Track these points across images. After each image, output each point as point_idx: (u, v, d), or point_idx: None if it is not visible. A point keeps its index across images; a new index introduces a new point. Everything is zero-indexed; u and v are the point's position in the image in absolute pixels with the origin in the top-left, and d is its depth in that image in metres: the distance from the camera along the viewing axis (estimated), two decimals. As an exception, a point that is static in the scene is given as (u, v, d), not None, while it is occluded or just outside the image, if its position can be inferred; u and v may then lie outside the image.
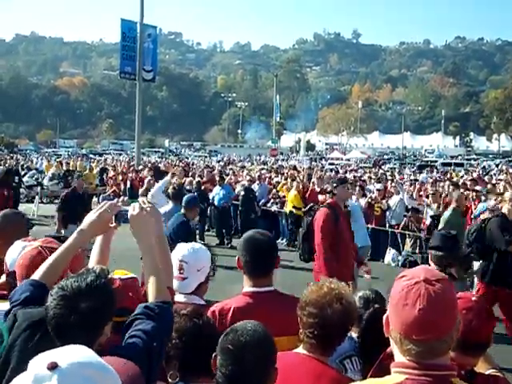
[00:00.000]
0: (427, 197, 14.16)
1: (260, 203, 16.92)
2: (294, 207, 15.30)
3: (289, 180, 16.86)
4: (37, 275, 2.44)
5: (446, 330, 1.74)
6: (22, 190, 21.82)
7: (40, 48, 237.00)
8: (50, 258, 2.52)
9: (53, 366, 1.31)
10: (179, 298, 3.19)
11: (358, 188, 15.05)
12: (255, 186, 17.49)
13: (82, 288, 1.98)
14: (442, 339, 1.73)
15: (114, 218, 2.69)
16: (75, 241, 2.59)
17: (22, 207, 16.76)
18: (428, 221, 12.76)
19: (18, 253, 3.00)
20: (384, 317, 1.84)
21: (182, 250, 3.35)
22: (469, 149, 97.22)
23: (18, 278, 2.72)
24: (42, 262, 2.57)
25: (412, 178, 25.27)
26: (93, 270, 2.11)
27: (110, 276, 2.15)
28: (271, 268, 3.26)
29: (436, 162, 53.78)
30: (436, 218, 12.95)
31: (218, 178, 17.43)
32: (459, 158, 67.51)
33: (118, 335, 2.20)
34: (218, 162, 44.17)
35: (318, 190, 15.95)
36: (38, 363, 1.33)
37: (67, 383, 1.30)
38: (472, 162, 55.79)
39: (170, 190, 10.35)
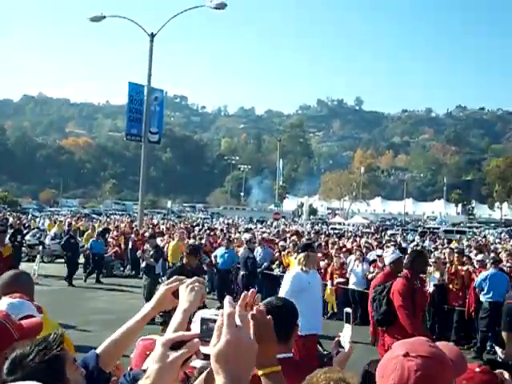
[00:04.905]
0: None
1: (262, 267, 16.80)
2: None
3: (291, 245, 16.70)
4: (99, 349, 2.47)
5: None
6: (23, 248, 21.81)
7: (47, 109, 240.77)
8: (117, 332, 2.52)
9: None
10: (197, 363, 3.12)
11: (358, 253, 15.17)
12: (258, 250, 17.41)
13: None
14: None
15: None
16: (144, 315, 2.56)
17: (22, 266, 16.67)
18: (431, 289, 12.63)
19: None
20: None
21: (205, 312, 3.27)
22: (471, 216, 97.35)
23: None
24: None
25: (414, 244, 25.27)
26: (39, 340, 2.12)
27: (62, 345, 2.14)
28: (289, 334, 3.26)
29: (438, 228, 53.80)
30: (439, 287, 12.83)
31: (221, 240, 17.38)
32: (461, 225, 67.56)
33: None
34: (226, 224, 44.21)
35: (320, 255, 15.90)
36: None
37: None
38: (474, 229, 55.82)
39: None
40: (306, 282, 7.24)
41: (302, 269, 7.39)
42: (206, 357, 3.13)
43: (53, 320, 3.99)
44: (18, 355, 2.02)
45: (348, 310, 3.40)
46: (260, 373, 2.05)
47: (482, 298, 11.74)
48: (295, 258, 8.25)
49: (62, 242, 20.56)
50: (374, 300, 7.15)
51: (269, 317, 2.09)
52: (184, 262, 10.06)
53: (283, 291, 7.25)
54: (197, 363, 3.10)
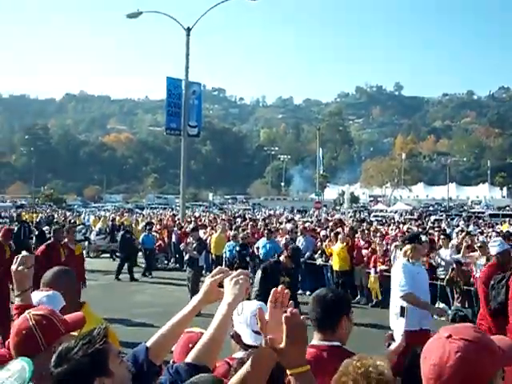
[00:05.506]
0: (473, 249, 13.82)
1: (305, 256, 16.76)
2: (340, 261, 15.12)
3: (332, 235, 16.61)
4: (149, 342, 2.51)
5: None
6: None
7: (88, 106, 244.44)
8: (166, 325, 2.56)
9: None
10: (238, 354, 3.16)
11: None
12: (300, 239, 17.40)
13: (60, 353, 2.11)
14: None
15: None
16: (193, 307, 2.58)
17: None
18: (478, 274, 12.40)
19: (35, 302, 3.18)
20: None
21: (253, 305, 3.25)
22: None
23: (10, 347, 2.66)
24: (25, 329, 2.59)
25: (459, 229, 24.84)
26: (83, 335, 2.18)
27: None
28: (336, 324, 3.33)
29: (483, 213, 52.85)
30: (485, 272, 12.59)
31: (263, 230, 17.46)
32: (507, 208, 66.25)
33: None
34: (267, 214, 44.24)
35: (363, 242, 15.83)
36: None
37: None
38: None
39: None
40: (414, 273, 6.86)
41: (408, 260, 7.00)
42: (247, 347, 3.17)
43: (96, 315, 4.06)
44: (63, 349, 2.11)
45: (404, 304, 3.39)
46: (289, 373, 2.05)
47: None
48: (400, 250, 7.86)
49: (119, 239, 20.66)
50: (492, 288, 6.77)
51: (302, 317, 2.09)
52: (281, 259, 10.63)
53: (401, 283, 6.91)
54: (238, 354, 3.16)
